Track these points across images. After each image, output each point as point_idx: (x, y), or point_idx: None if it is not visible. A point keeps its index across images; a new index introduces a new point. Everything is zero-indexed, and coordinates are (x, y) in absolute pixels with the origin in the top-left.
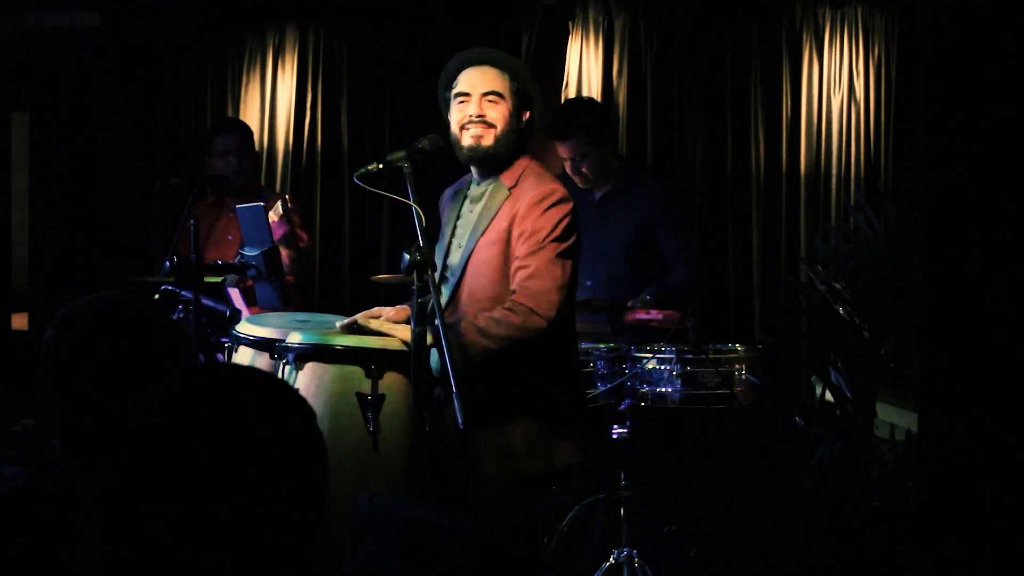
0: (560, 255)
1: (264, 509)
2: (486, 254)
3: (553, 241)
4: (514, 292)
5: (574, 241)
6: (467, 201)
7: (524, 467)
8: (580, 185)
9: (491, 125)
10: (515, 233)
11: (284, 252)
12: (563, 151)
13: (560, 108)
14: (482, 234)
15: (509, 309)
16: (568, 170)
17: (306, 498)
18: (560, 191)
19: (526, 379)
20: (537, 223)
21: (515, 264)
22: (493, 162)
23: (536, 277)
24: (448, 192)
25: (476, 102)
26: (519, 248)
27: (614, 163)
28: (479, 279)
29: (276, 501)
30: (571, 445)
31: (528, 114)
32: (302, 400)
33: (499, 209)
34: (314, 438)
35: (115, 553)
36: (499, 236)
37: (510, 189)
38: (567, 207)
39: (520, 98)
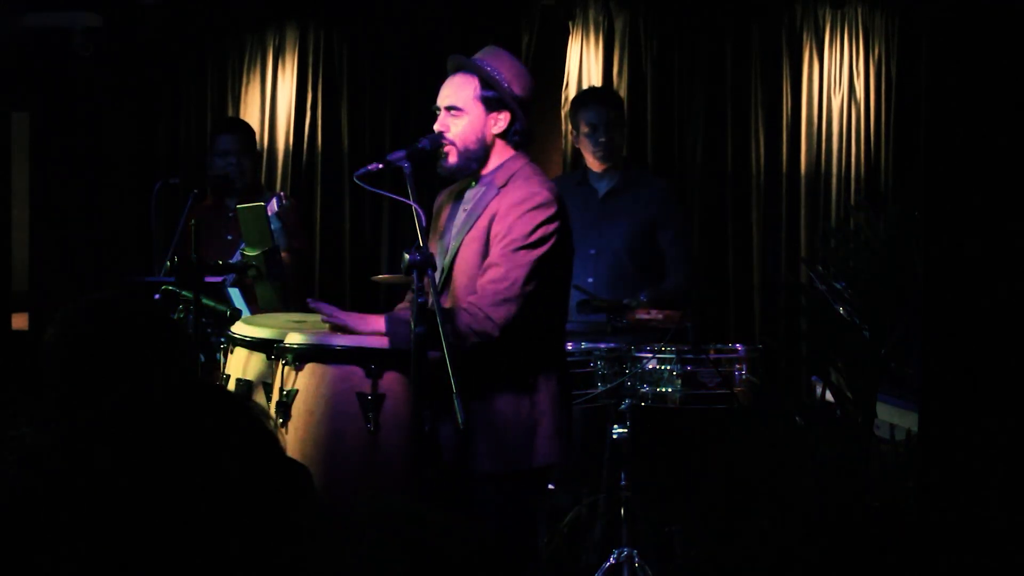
0: (531, 261)
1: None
2: (468, 251)
3: (525, 247)
4: (474, 292)
5: (550, 247)
6: (462, 203)
7: (516, 464)
8: (594, 158)
9: (452, 142)
10: (493, 231)
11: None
12: (594, 116)
13: (591, 87)
14: (467, 232)
15: (465, 309)
16: (587, 144)
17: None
18: (544, 194)
19: (515, 374)
20: (513, 225)
21: (485, 263)
22: (463, 175)
23: (500, 281)
24: (445, 192)
25: (441, 118)
26: (493, 248)
27: (621, 158)
28: (461, 276)
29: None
30: (557, 443)
31: (509, 115)
32: (257, 412)
33: (485, 207)
34: (271, 450)
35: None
36: (480, 233)
37: (499, 188)
38: (549, 211)
39: (492, 103)
